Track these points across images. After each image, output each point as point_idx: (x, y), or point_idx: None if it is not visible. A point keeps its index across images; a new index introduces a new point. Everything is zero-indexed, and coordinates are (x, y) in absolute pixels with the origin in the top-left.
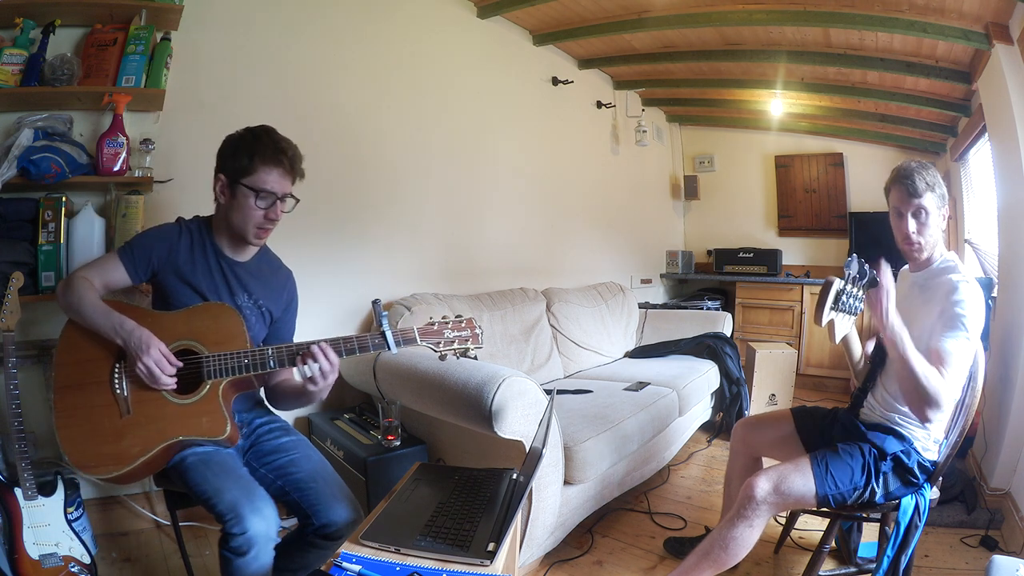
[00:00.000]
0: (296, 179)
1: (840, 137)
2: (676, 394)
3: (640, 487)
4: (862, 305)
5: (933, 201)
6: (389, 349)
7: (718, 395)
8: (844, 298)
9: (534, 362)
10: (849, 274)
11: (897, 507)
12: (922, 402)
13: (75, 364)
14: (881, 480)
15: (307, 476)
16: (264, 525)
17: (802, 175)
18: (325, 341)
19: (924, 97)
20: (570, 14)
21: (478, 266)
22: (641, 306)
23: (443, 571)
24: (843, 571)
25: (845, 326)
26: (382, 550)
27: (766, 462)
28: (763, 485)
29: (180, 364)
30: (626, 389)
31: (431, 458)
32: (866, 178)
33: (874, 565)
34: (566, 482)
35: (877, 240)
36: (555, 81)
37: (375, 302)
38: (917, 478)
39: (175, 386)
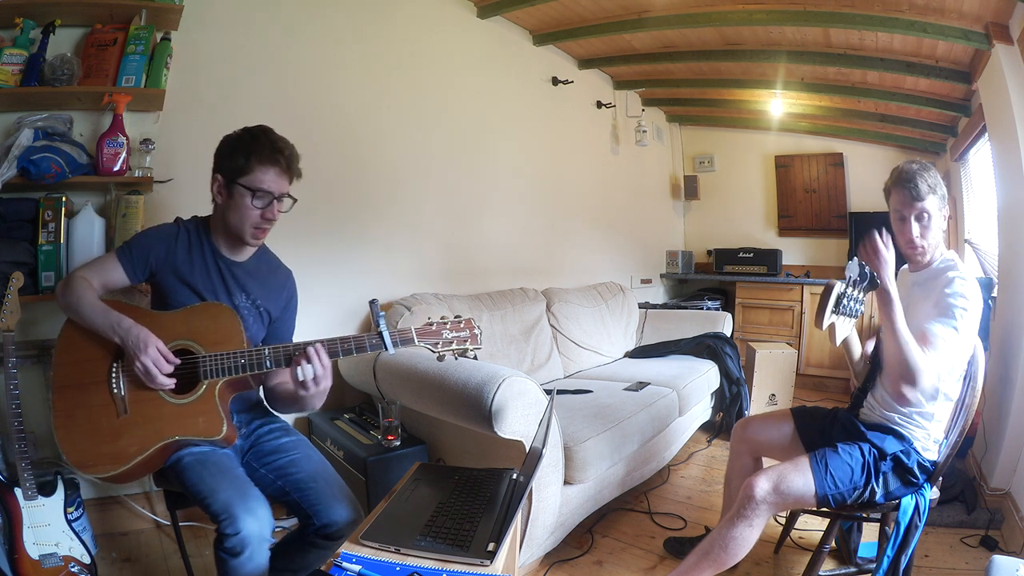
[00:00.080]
0: (293, 179)
1: (840, 137)
2: (676, 394)
3: (640, 487)
4: (863, 308)
5: (935, 203)
6: (386, 350)
7: (718, 395)
8: (845, 301)
9: (534, 362)
10: (850, 277)
11: (897, 507)
12: (900, 377)
13: (74, 364)
14: (881, 480)
15: (307, 476)
16: (257, 526)
17: (802, 175)
18: (321, 342)
19: (924, 97)
20: (570, 14)
21: (478, 266)
22: (641, 306)
23: (443, 571)
24: (843, 571)
25: (846, 329)
26: (382, 550)
27: (766, 462)
28: (763, 485)
29: (178, 362)
30: (626, 389)
31: (431, 458)
32: (866, 178)
33: (874, 565)
34: (566, 482)
35: None
36: (555, 81)
37: (372, 302)
38: (917, 478)
39: (173, 385)
